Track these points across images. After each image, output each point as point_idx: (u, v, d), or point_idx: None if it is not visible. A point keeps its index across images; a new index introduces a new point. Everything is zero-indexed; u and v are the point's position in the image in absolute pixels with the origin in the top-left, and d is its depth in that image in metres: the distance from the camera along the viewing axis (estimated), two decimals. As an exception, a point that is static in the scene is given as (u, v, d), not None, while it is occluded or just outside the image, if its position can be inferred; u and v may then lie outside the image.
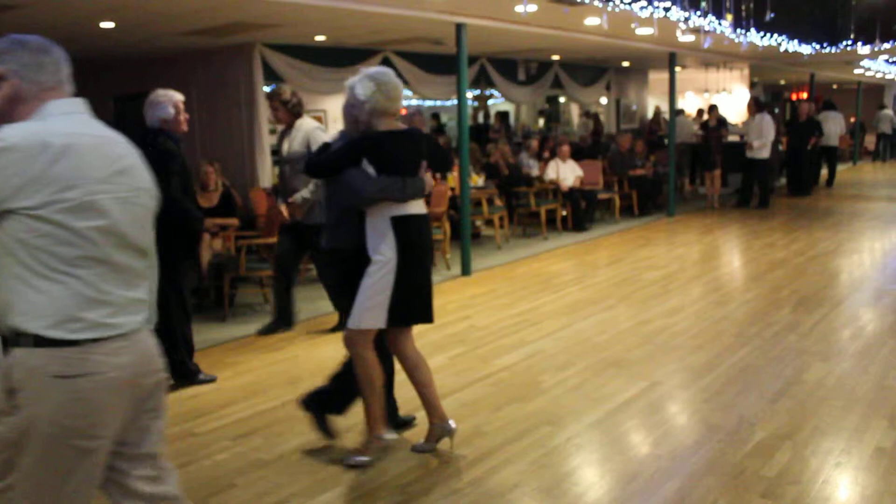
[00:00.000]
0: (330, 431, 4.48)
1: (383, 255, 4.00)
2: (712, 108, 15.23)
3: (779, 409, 4.81)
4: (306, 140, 6.35)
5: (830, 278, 8.56)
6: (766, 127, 14.02)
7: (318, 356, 6.16)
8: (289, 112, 6.44)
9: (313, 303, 7.78)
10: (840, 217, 13.30)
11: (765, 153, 14.14)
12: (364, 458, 4.22)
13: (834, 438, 4.39)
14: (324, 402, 4.45)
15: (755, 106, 14.26)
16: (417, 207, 4.13)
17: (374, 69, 4.11)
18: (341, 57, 11.15)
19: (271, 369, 5.88)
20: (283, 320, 6.88)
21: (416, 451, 4.37)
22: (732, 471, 4.03)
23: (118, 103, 11.68)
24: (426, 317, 4.29)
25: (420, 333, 6.60)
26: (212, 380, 5.66)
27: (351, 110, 4.09)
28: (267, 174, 10.42)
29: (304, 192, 6.33)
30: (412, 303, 4.14)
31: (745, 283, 8.45)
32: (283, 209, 6.45)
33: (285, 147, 6.46)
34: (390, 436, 4.38)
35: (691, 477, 3.98)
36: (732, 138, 15.36)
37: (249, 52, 10.08)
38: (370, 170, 3.98)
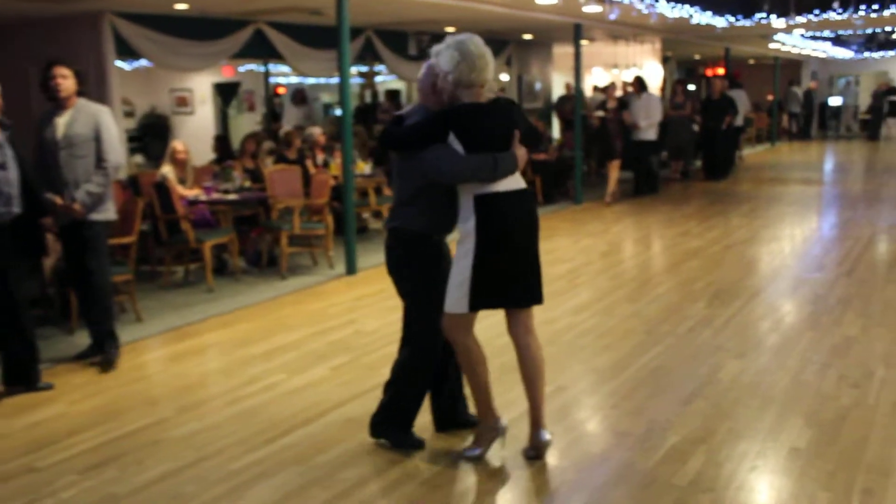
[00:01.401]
0: (416, 443, 4.55)
1: (469, 236, 4.15)
2: (607, 88, 15.55)
3: (691, 412, 4.96)
4: (94, 123, 5.96)
5: (747, 268, 8.89)
6: (654, 107, 14.46)
7: (178, 372, 6.03)
8: (77, 86, 6.11)
9: (177, 311, 7.60)
10: (757, 202, 13.83)
11: (651, 134, 14.57)
12: (477, 451, 4.41)
13: (749, 441, 4.55)
14: (392, 419, 4.55)
15: (639, 85, 14.61)
16: (508, 184, 4.19)
17: (461, 36, 4.17)
18: (207, 29, 10.92)
19: (126, 389, 5.72)
20: (96, 345, 6.33)
21: (527, 455, 4.42)
22: (643, 480, 4.13)
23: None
24: (525, 300, 4.33)
25: (299, 341, 6.58)
26: (48, 387, 5.65)
27: (432, 81, 4.21)
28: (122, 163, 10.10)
29: (92, 186, 5.95)
30: (499, 287, 4.21)
31: (657, 275, 8.69)
32: (58, 201, 5.94)
33: (60, 128, 5.96)
34: (503, 424, 4.45)
35: (599, 489, 4.06)
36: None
37: (98, 22, 9.76)
38: (457, 146, 4.08)
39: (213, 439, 4.77)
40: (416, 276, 4.38)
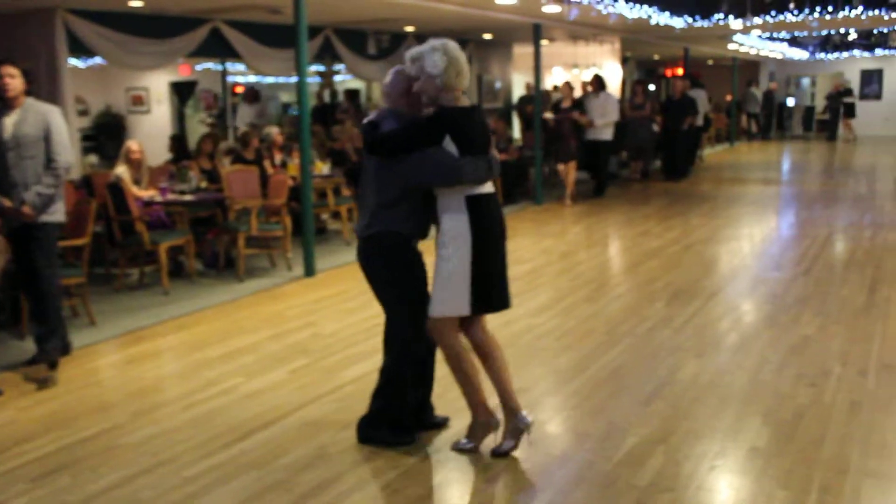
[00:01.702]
0: (407, 439, 4.60)
1: (460, 237, 4.23)
2: (558, 87, 15.58)
3: (651, 412, 5.00)
4: (44, 123, 5.86)
5: (706, 268, 8.98)
6: (611, 106, 14.47)
7: (133, 376, 5.96)
8: (25, 85, 6.02)
9: (132, 314, 7.52)
10: (717, 202, 13.99)
11: (607, 134, 14.57)
12: (470, 444, 4.50)
13: (708, 440, 4.60)
14: (381, 425, 4.59)
15: (598, 84, 14.55)
16: (488, 186, 4.35)
17: (440, 40, 4.26)
18: (163, 27, 10.82)
19: (78, 395, 5.64)
20: (43, 351, 6.11)
21: (495, 453, 4.47)
22: (603, 481, 4.15)
23: None
24: (505, 302, 4.49)
25: (257, 344, 6.54)
26: None
27: (405, 86, 4.32)
28: (75, 163, 9.98)
29: (42, 187, 5.83)
30: (493, 287, 4.34)
31: (617, 275, 8.75)
32: (7, 204, 5.82)
33: (8, 128, 5.84)
34: (497, 419, 4.53)
35: (560, 491, 4.08)
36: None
37: (51, 19, 9.62)
38: (452, 148, 4.20)
39: (169, 445, 4.72)
40: (401, 281, 4.42)
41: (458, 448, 4.53)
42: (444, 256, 4.27)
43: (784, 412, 4.97)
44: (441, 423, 4.81)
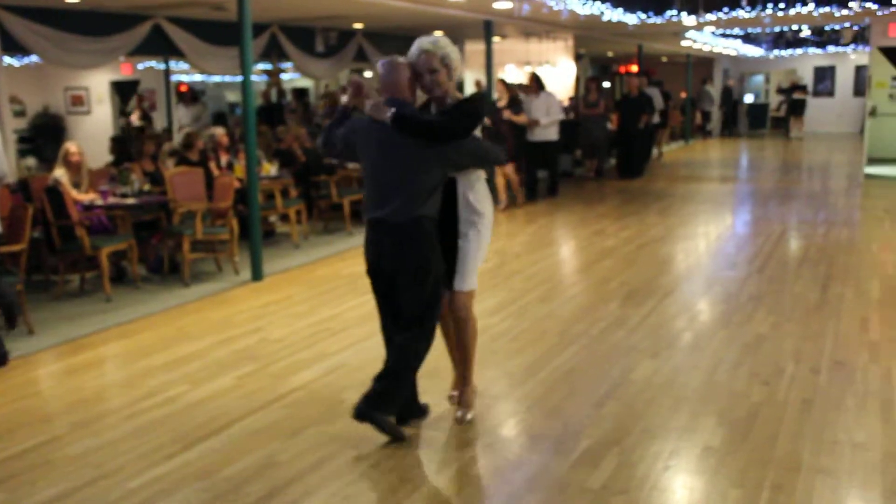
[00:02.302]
0: (399, 433, 4.73)
1: (487, 215, 4.81)
2: (495, 84, 15.50)
3: (605, 414, 5.06)
4: None
5: (661, 267, 9.09)
6: (554, 105, 14.23)
7: (73, 386, 5.88)
8: None
9: (73, 322, 7.42)
10: (672, 200, 14.15)
11: (553, 134, 14.28)
12: (471, 414, 4.99)
13: (662, 441, 4.66)
14: (385, 406, 4.67)
15: (536, 84, 14.09)
16: None
17: (441, 37, 4.72)
18: (101, 24, 10.70)
19: (16, 406, 5.55)
20: None
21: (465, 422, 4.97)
22: (556, 485, 4.19)
23: None
24: None
25: (203, 351, 6.49)
26: None
27: (408, 76, 4.62)
28: (11, 166, 9.82)
29: None
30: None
31: (571, 275, 8.82)
32: None
33: None
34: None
35: (513, 495, 4.11)
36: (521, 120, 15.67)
37: (-19, 16, 9.48)
38: (478, 134, 4.72)
39: (111, 456, 4.67)
40: (437, 262, 4.68)
41: (464, 422, 4.93)
42: (473, 235, 4.74)
43: (738, 411, 5.05)
44: (425, 411, 5.05)
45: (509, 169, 13.60)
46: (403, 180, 4.55)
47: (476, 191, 4.75)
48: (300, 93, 18.21)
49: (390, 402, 4.69)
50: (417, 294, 4.63)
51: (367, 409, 4.61)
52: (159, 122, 16.90)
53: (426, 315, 4.68)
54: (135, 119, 16.54)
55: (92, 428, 5.09)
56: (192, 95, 15.53)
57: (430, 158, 4.53)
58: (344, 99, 4.95)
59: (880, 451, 4.48)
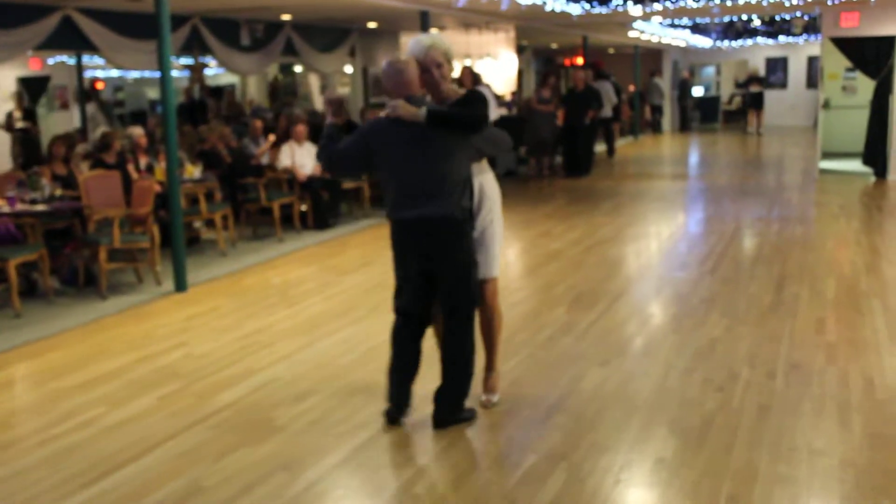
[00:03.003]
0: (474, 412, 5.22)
1: (499, 201, 5.30)
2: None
3: (552, 426, 5.08)
4: None
5: (610, 269, 9.16)
6: (491, 101, 14.32)
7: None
8: None
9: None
10: (621, 199, 14.29)
11: None
12: (496, 395, 5.43)
13: (613, 453, 4.69)
14: (463, 396, 5.13)
15: (471, 78, 14.32)
16: None
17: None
18: (6, 15, 10.50)
19: (-84, 432, 5.41)
20: None
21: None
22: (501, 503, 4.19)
23: None
24: None
25: (122, 369, 6.39)
26: None
27: (418, 72, 4.91)
28: None
29: None
30: None
31: (515, 280, 8.84)
32: None
33: None
34: None
35: (455, 516, 4.10)
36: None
37: None
38: None
39: (22, 486, 4.57)
40: (472, 251, 5.06)
41: (491, 404, 5.35)
42: (496, 221, 5.23)
43: (691, 419, 5.10)
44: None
45: None
46: (438, 175, 4.85)
47: (489, 179, 5.26)
48: (216, 91, 17.95)
49: (464, 393, 5.14)
50: (465, 287, 5.00)
51: (452, 416, 5.10)
52: (71, 122, 16.63)
53: (469, 303, 5.05)
54: (17, 118, 16.05)
55: (0, 456, 4.97)
56: (86, 93, 15.25)
57: (458, 150, 4.89)
58: (328, 118, 5.17)
59: (838, 456, 4.56)
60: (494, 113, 14.16)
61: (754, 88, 27.10)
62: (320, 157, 5.13)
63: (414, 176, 4.87)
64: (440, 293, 5.01)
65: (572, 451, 4.72)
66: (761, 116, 27.10)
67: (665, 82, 28.91)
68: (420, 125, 4.77)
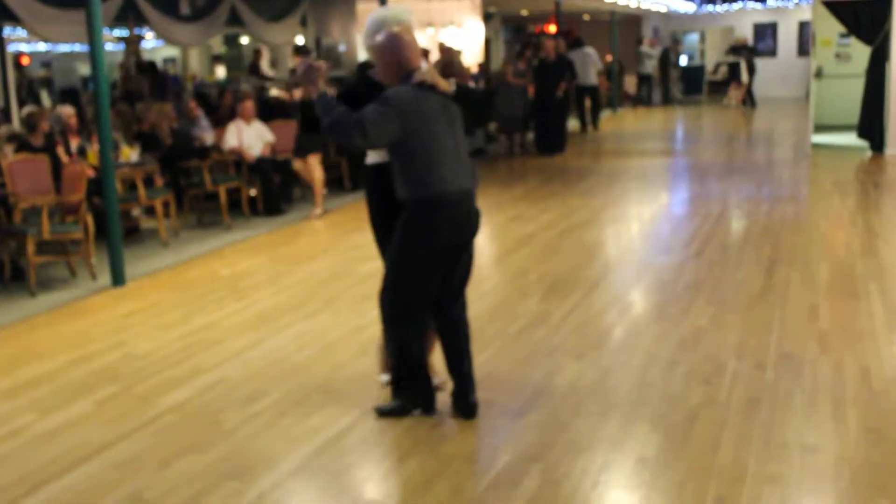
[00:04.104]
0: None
1: None
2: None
3: (525, 425, 5.11)
4: None
5: (586, 255, 9.22)
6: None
7: None
8: None
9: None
10: (598, 178, 14.36)
11: None
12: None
13: (591, 453, 4.73)
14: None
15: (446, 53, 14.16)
16: None
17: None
18: None
19: None
20: None
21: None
22: (471, 509, 4.23)
23: None
24: None
25: (54, 372, 6.37)
26: None
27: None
28: None
29: None
30: None
31: (484, 268, 8.86)
32: None
33: None
34: None
35: (420, 524, 4.13)
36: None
37: None
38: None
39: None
40: None
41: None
42: None
43: (675, 416, 5.15)
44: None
45: (314, 161, 12.05)
46: (463, 148, 5.12)
47: None
48: (148, 66, 17.79)
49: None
50: (471, 259, 5.31)
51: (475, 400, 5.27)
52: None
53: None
54: None
55: (-81, 469, 4.94)
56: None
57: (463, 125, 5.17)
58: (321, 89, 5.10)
59: (832, 453, 4.62)
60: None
61: (731, 58, 27.09)
62: (347, 132, 4.85)
63: (449, 148, 5.02)
64: (455, 277, 5.20)
65: (547, 452, 4.75)
66: (741, 89, 27.09)
67: (654, 50, 28.66)
68: (448, 97, 5.01)
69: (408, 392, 5.27)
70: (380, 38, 5.01)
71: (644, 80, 28.40)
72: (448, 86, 4.98)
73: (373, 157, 5.22)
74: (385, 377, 5.58)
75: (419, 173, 4.91)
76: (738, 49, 27.18)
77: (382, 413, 5.27)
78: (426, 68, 4.98)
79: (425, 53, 15.72)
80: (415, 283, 5.06)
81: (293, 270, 9.07)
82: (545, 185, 13.84)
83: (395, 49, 4.99)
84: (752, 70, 26.09)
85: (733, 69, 27.20)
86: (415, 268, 5.03)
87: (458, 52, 15.14)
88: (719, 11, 29.72)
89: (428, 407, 5.28)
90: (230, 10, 15.38)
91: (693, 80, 31.40)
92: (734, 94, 27.14)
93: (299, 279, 8.68)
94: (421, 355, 5.26)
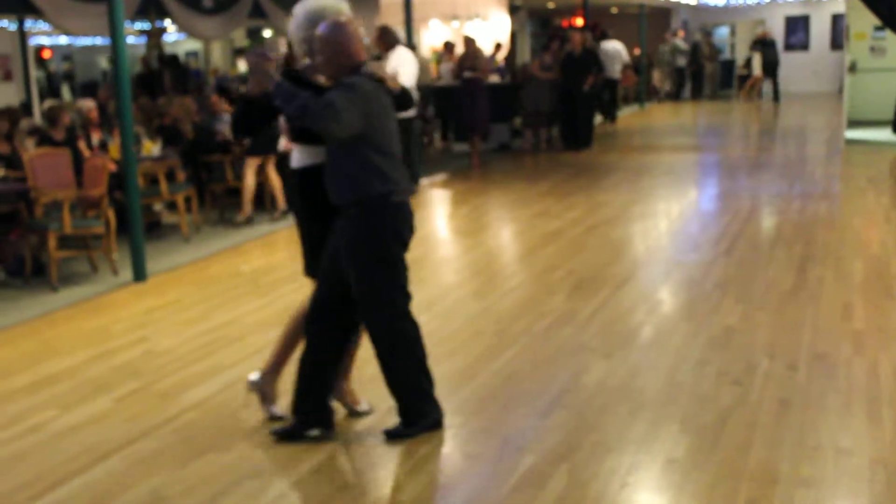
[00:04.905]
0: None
1: None
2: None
3: (552, 426, 5.08)
4: None
5: (614, 252, 9.18)
6: (407, 65, 13.31)
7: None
8: None
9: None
10: (625, 174, 14.30)
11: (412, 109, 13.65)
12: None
13: (618, 454, 4.70)
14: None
15: (384, 38, 13.35)
16: None
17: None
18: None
19: None
20: None
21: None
22: (496, 511, 4.21)
23: None
24: None
25: (75, 368, 6.39)
26: None
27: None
28: None
29: None
30: None
31: (509, 265, 8.87)
32: None
33: None
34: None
35: (444, 525, 4.11)
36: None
37: None
38: None
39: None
40: None
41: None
42: None
43: (705, 417, 5.11)
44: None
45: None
46: (398, 149, 4.98)
47: None
48: (172, 60, 17.86)
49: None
50: None
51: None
52: (16, 95, 16.54)
53: None
54: None
55: (-61, 465, 4.97)
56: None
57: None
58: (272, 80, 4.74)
59: (867, 456, 4.57)
60: (412, 77, 13.65)
61: (754, 53, 26.97)
62: (318, 116, 4.54)
63: (395, 147, 4.92)
64: None
65: (574, 452, 4.73)
66: (757, 84, 26.86)
67: (686, 43, 28.45)
68: (392, 94, 4.90)
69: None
70: (323, 28, 4.73)
71: (678, 72, 28.26)
72: (396, 84, 4.87)
73: (300, 160, 4.96)
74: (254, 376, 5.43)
75: (380, 168, 4.75)
76: (755, 43, 27.08)
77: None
78: (374, 63, 4.83)
79: (450, 47, 15.75)
80: (398, 287, 5.04)
81: (316, 266, 9.06)
82: (571, 181, 13.79)
83: (343, 40, 4.73)
84: (772, 65, 25.93)
85: (747, 63, 27.18)
86: (395, 268, 5.00)
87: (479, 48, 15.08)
88: (750, 4, 29.50)
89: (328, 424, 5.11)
90: (252, 3, 15.41)
91: (723, 75, 31.24)
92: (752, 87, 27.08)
93: (322, 275, 8.67)
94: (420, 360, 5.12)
